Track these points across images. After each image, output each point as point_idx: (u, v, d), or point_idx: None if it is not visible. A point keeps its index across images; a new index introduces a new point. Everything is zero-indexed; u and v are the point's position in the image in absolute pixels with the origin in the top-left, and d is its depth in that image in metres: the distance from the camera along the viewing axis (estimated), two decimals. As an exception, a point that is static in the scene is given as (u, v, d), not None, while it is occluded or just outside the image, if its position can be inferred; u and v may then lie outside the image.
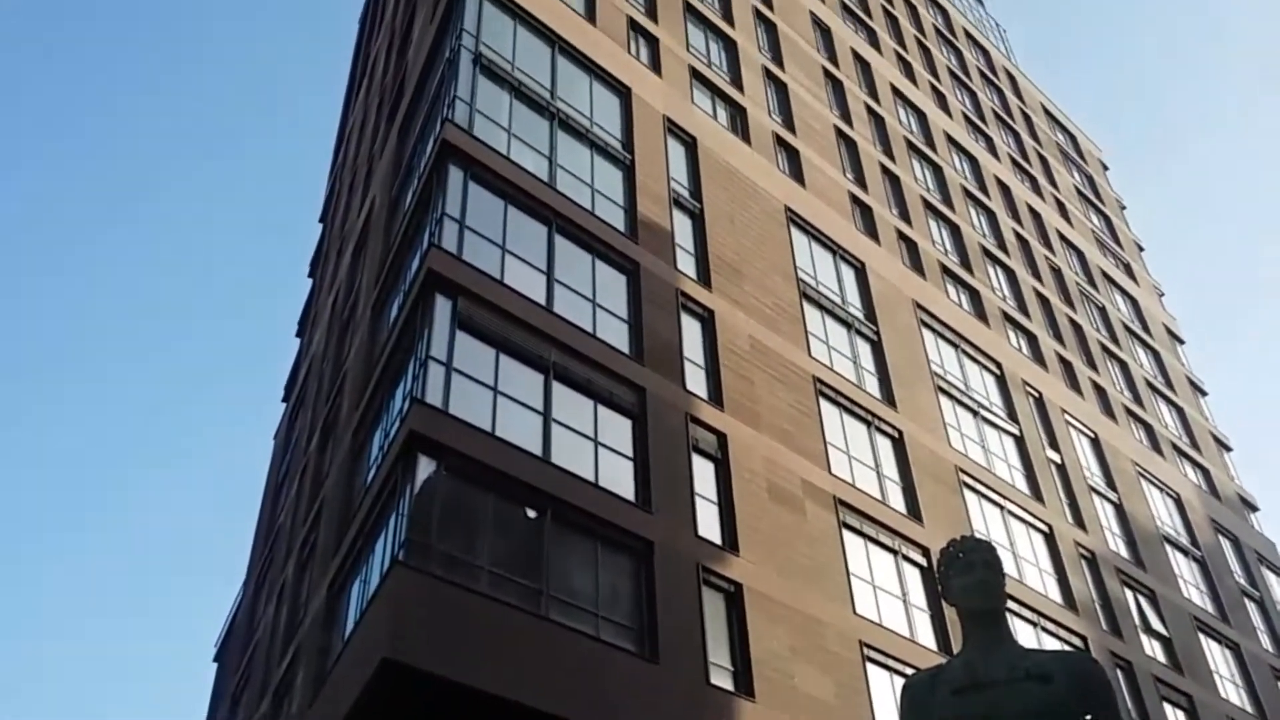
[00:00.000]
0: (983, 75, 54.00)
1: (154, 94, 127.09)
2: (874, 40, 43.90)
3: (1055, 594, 29.03)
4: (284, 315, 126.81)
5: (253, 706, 27.70)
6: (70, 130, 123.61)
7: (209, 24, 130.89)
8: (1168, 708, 30.27)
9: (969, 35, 56.11)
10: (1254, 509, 45.54)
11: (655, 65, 28.91)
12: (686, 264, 24.94)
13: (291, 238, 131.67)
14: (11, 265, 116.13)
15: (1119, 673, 29.29)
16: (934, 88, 46.38)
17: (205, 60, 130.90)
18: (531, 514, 17.76)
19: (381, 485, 18.11)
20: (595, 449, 19.62)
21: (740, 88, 32.08)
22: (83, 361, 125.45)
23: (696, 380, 22.85)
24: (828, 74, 38.08)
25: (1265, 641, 38.24)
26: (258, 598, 33.44)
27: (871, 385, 28.02)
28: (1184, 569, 36.81)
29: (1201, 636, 34.64)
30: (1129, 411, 42.01)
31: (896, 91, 42.41)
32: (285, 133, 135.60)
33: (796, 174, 31.68)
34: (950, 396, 31.06)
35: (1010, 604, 25.92)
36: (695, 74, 30.53)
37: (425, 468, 16.98)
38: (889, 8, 47.86)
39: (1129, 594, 32.46)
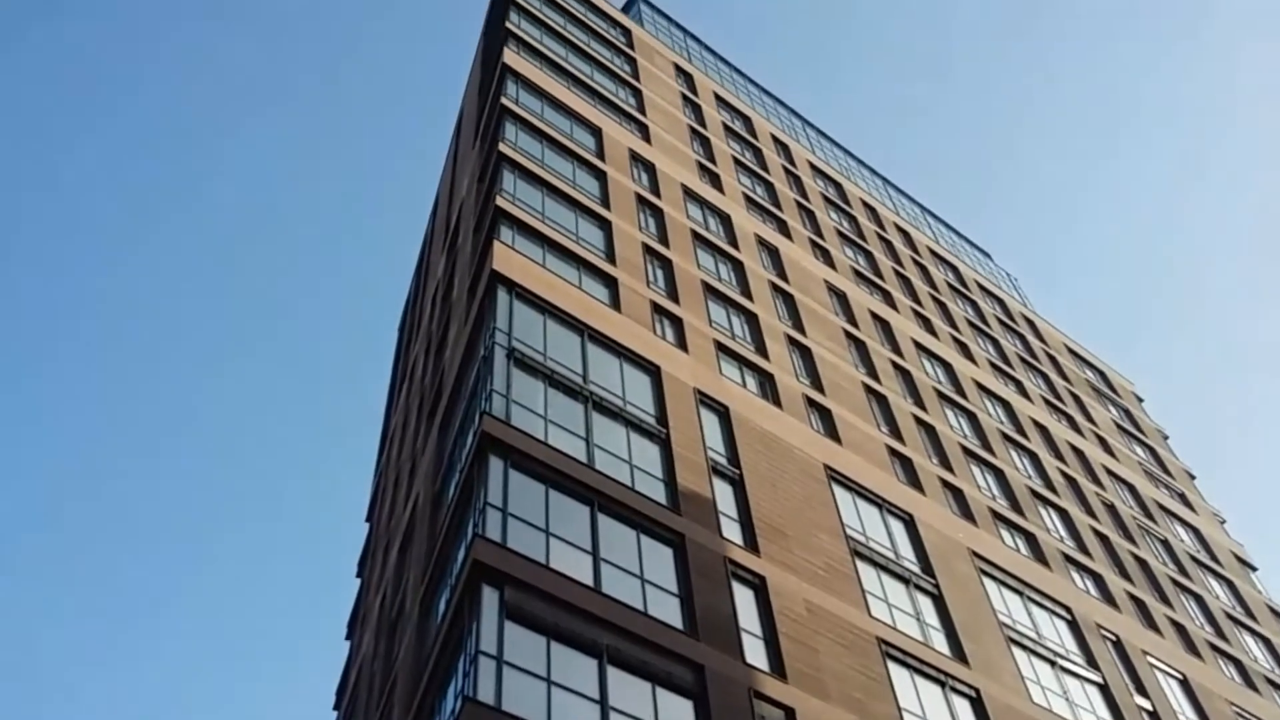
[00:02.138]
0: (1001, 322, 55.31)
1: (211, 413, 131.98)
2: (890, 300, 45.42)
3: None
4: (333, 618, 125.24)
5: None
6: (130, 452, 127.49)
7: (258, 339, 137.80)
8: None
9: (981, 287, 57.98)
10: (1372, 743, 42.01)
11: (681, 343, 29.90)
12: (732, 531, 24.68)
13: (338, 539, 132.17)
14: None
15: None
16: (955, 339, 47.44)
17: (260, 361, 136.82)
18: (596, 813, 16.67)
19: (436, 794, 17.18)
20: (657, 735, 18.65)
21: (766, 355, 32.96)
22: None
23: (756, 652, 22.01)
24: (849, 335, 39.16)
25: None
26: None
27: (939, 642, 26.86)
28: (1311, 819, 33.57)
29: None
30: (1213, 647, 39.80)
31: (919, 345, 43.38)
32: (330, 437, 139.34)
33: (831, 432, 31.91)
34: (1024, 647, 29.65)
35: None
36: (721, 347, 31.49)
37: (481, 771, 16.15)
38: (900, 269, 49.85)
39: None
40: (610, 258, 30.93)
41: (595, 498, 22.12)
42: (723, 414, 28.31)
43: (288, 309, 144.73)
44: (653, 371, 27.41)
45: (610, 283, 29.83)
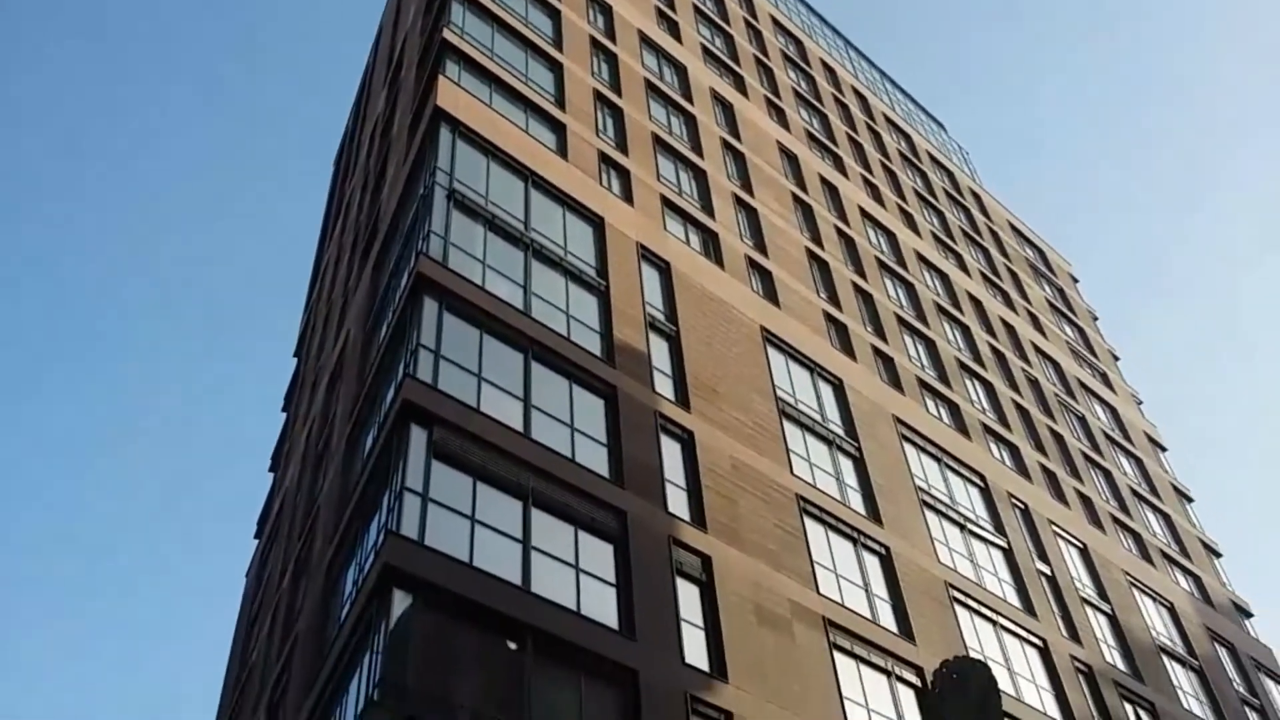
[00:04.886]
0: (949, 195, 55.37)
1: (139, 234, 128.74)
2: (840, 166, 45.12)
3: (1054, 711, 28.29)
4: (257, 450, 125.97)
5: None
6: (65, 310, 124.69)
7: (190, 167, 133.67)
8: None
9: (933, 158, 57.76)
10: (1248, 615, 44.89)
11: (627, 195, 29.53)
12: (664, 386, 24.98)
13: (265, 372, 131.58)
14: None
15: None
16: (901, 209, 47.48)
17: (185, 196, 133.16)
18: (512, 646, 17.29)
19: (356, 621, 17.65)
20: (577, 576, 19.25)
21: (711, 214, 32.74)
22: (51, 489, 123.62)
23: (678, 502, 22.62)
24: (796, 199, 38.98)
25: (1274, 754, 37.18)
26: (232, 747, 32.18)
27: (856, 502, 27.81)
28: (1182, 680, 36.04)
29: (1208, 751, 33.66)
30: (1116, 520, 41.75)
31: (865, 213, 43.37)
32: (260, 267, 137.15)
33: (770, 295, 32.09)
34: (936, 511, 30.83)
35: (1010, 724, 25.16)
36: (667, 202, 31.17)
37: (401, 602, 16.57)
38: (853, 135, 49.36)
39: (1129, 708, 31.67)
40: (560, 103, 30.15)
41: (530, 345, 22.15)
42: (664, 270, 28.26)
43: (222, 135, 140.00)
44: (596, 223, 27.12)
45: (558, 128, 29.16)
